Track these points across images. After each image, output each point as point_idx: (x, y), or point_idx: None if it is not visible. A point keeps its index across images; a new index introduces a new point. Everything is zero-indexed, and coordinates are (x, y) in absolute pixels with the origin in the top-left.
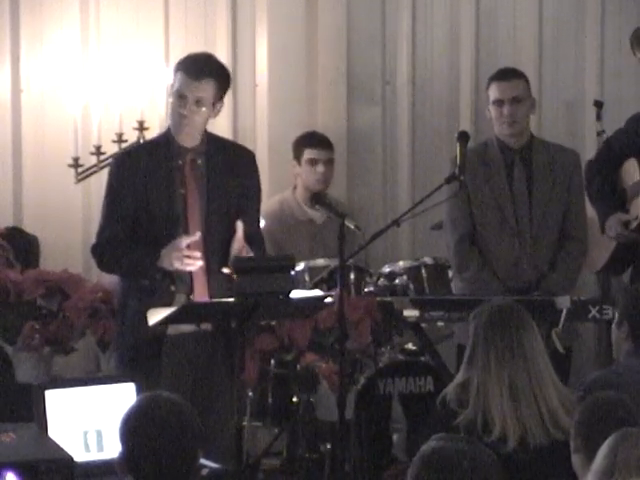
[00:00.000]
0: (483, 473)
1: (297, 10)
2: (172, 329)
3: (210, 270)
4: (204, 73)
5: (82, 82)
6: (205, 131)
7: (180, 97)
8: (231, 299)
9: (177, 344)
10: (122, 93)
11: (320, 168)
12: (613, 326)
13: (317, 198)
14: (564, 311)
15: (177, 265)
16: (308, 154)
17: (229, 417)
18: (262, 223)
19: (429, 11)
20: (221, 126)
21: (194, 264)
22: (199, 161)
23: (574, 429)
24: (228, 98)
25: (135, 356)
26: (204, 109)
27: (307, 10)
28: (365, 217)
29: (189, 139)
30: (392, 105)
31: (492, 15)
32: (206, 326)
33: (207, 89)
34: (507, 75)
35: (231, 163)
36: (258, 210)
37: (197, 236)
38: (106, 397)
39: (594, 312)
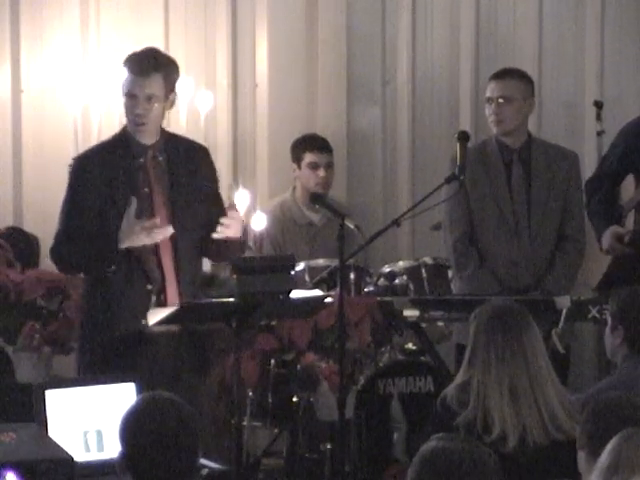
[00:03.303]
0: (483, 473)
1: (297, 10)
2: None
3: (179, 267)
4: (150, 69)
5: (82, 82)
6: (160, 127)
7: (131, 97)
8: (231, 299)
9: (152, 342)
10: (122, 93)
11: (321, 172)
12: (607, 331)
13: (317, 198)
14: (564, 311)
15: (146, 240)
16: (309, 158)
17: (214, 417)
18: (264, 222)
19: (429, 11)
20: (221, 126)
21: (164, 232)
22: (160, 158)
23: (580, 426)
24: (228, 98)
25: (107, 355)
26: (156, 105)
27: (307, 10)
28: (365, 217)
29: (148, 136)
30: (392, 105)
31: (492, 15)
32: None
33: (155, 84)
34: (501, 74)
35: (188, 159)
36: (220, 197)
37: (158, 220)
38: (106, 397)
39: (594, 312)
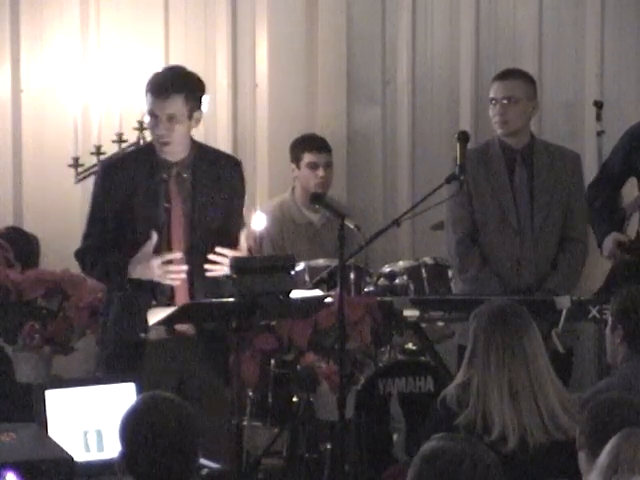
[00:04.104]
0: (483, 473)
1: (297, 10)
2: (153, 334)
3: (193, 283)
4: (169, 90)
5: (82, 82)
6: (192, 140)
7: (153, 117)
8: (231, 299)
9: (158, 348)
10: (122, 93)
11: (320, 172)
12: (607, 330)
13: (317, 198)
14: (564, 311)
15: (159, 279)
16: (308, 158)
17: (219, 419)
18: (264, 222)
19: (429, 11)
20: (221, 126)
21: (178, 278)
22: (185, 174)
23: (580, 427)
24: (228, 98)
25: (115, 360)
26: (178, 125)
27: (307, 10)
28: (365, 217)
29: (173, 154)
30: (392, 105)
31: (492, 15)
32: (187, 329)
33: (176, 105)
34: (505, 75)
35: (217, 174)
36: (242, 216)
37: (178, 256)
38: (106, 397)
39: (594, 312)
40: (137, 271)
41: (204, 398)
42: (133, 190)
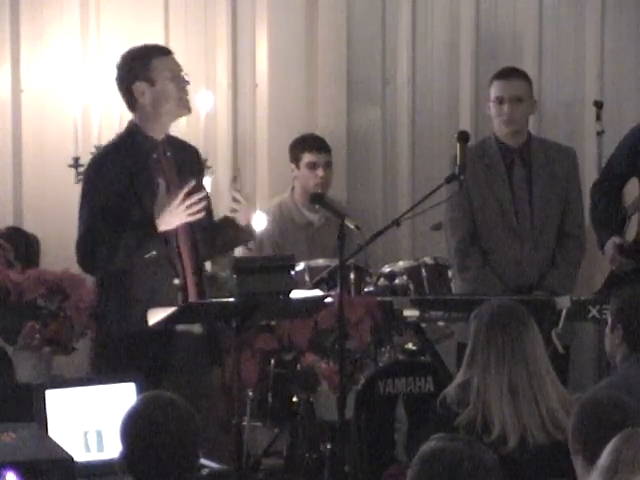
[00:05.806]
0: (483, 473)
1: (297, 10)
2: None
3: (199, 263)
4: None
5: (82, 82)
6: None
7: (178, 77)
8: (231, 299)
9: (179, 340)
10: None
11: (320, 172)
12: (606, 330)
13: (317, 198)
14: (564, 311)
15: (183, 219)
16: (307, 158)
17: (216, 417)
18: (264, 222)
19: (429, 11)
20: (221, 126)
21: (200, 211)
22: (168, 153)
23: (571, 431)
24: (228, 98)
25: (132, 351)
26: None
27: (307, 10)
28: (365, 217)
29: (163, 129)
30: (392, 105)
31: (492, 15)
32: (196, 328)
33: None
34: (510, 74)
35: (183, 157)
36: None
37: (192, 184)
38: (106, 397)
39: (594, 312)
40: (165, 219)
41: (201, 395)
42: (129, 178)
